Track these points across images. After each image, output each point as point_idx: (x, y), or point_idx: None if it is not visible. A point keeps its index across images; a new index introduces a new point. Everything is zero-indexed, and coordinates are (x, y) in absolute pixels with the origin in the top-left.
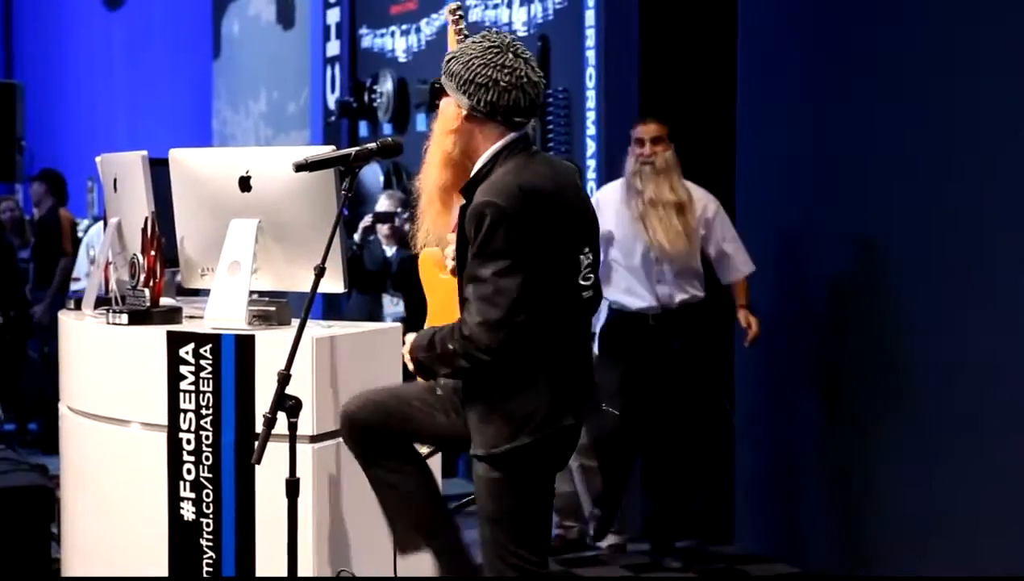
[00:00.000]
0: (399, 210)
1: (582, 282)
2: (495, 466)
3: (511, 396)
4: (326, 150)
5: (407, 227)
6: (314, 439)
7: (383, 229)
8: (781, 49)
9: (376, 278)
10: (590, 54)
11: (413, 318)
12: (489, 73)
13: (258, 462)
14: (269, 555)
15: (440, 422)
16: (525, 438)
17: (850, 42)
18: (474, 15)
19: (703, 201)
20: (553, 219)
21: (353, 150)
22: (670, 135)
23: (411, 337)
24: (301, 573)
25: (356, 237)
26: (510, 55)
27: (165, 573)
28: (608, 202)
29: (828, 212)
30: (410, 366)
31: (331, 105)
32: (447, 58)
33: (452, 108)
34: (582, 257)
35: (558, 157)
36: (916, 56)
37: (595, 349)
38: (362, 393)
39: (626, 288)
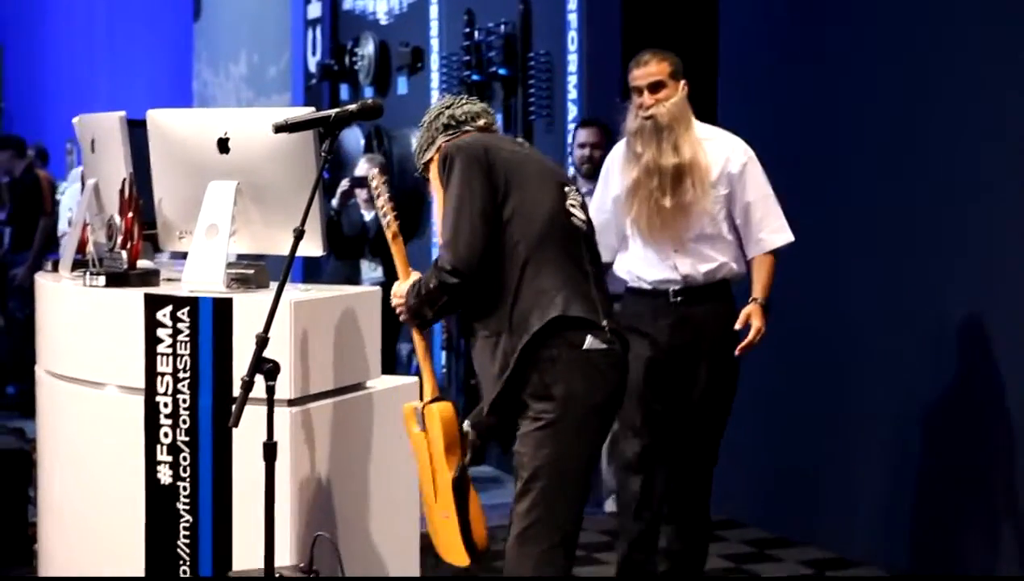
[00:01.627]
0: (369, 174)
1: (570, 207)
2: None
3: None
4: (306, 112)
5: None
6: (292, 403)
7: (362, 194)
8: (761, 21)
9: (354, 243)
10: (572, 17)
11: (391, 283)
12: (440, 119)
13: (235, 425)
14: (247, 519)
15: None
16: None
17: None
18: None
19: (725, 153)
20: (515, 159)
21: (333, 112)
22: (677, 71)
23: (397, 286)
24: (278, 537)
25: (334, 202)
26: (441, 105)
27: (142, 537)
28: (616, 165)
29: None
30: (402, 316)
31: (312, 68)
32: (417, 153)
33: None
34: (566, 189)
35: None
36: (869, 65)
37: None
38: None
39: (643, 257)
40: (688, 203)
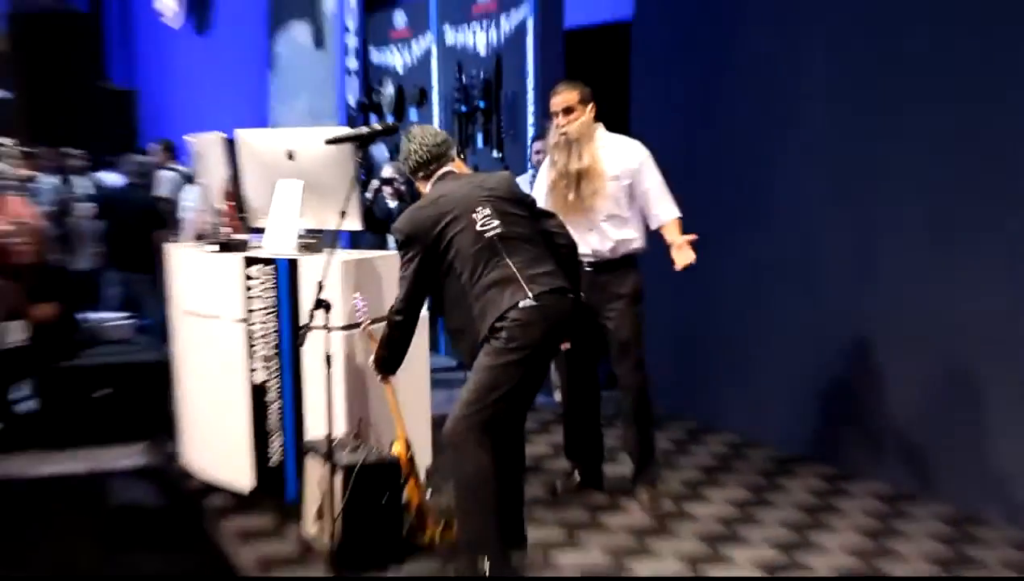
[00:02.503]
0: (397, 176)
1: (480, 227)
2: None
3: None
4: (346, 131)
5: (403, 188)
6: (343, 328)
7: (387, 189)
8: (665, 75)
9: (382, 224)
10: (530, 68)
11: None
12: (411, 157)
13: (301, 345)
14: (314, 406)
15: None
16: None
17: (710, 75)
18: (449, 38)
19: (627, 153)
20: (443, 215)
21: (365, 129)
22: (584, 98)
23: (370, 361)
24: (334, 417)
25: (368, 194)
26: (416, 142)
27: (245, 419)
28: (543, 169)
29: (689, 192)
30: (377, 375)
31: (351, 103)
32: (401, 158)
33: (420, 185)
34: (474, 215)
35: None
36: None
37: None
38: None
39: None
40: (585, 197)
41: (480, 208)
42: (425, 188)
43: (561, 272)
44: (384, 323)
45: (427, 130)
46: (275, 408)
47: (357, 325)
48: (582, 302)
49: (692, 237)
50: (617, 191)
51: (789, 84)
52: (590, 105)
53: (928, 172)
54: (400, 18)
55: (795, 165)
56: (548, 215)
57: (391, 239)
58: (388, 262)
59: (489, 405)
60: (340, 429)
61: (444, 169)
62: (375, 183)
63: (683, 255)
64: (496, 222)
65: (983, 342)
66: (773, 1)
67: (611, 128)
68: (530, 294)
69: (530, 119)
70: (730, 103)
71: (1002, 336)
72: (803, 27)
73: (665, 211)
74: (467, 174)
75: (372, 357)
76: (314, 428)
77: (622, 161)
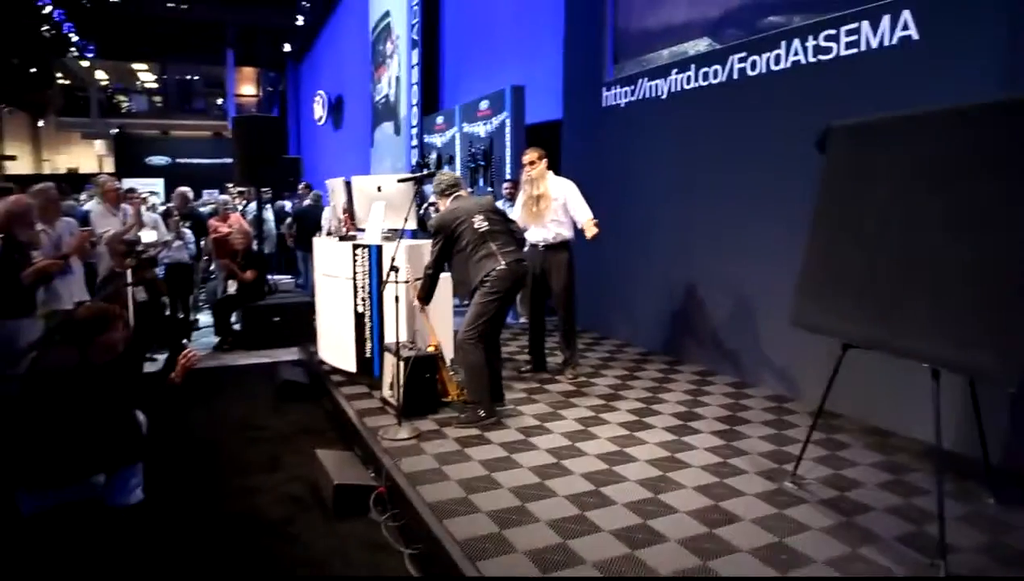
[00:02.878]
0: (437, 201)
1: (476, 226)
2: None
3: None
4: (409, 176)
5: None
6: (407, 282)
7: (432, 209)
8: (579, 144)
9: (426, 225)
10: (507, 143)
11: None
12: (437, 183)
13: (383, 291)
14: (390, 326)
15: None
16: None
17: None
18: (466, 128)
19: (563, 188)
20: (456, 218)
21: (419, 175)
22: (543, 156)
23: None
24: (401, 332)
25: (421, 211)
26: (441, 175)
27: (352, 332)
28: (520, 196)
29: (596, 205)
30: (418, 302)
31: (413, 163)
32: (433, 194)
33: (440, 203)
34: (475, 219)
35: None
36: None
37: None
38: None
39: (531, 232)
40: (543, 209)
41: (478, 216)
42: (445, 203)
43: (519, 251)
44: (422, 277)
45: (449, 172)
46: (368, 325)
47: (415, 279)
48: (527, 269)
49: (596, 222)
50: (558, 207)
51: (648, 150)
52: (545, 160)
53: (720, 197)
54: (440, 119)
55: (652, 192)
56: (512, 221)
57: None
58: (427, 247)
59: (481, 325)
60: (403, 337)
61: (457, 193)
62: (427, 206)
63: (590, 232)
64: (486, 224)
65: (754, 288)
66: (640, 114)
67: (555, 172)
68: (502, 262)
69: (507, 172)
70: (613, 160)
71: (768, 284)
72: (658, 129)
73: (583, 215)
74: (470, 197)
75: (416, 295)
76: (389, 336)
77: (561, 190)
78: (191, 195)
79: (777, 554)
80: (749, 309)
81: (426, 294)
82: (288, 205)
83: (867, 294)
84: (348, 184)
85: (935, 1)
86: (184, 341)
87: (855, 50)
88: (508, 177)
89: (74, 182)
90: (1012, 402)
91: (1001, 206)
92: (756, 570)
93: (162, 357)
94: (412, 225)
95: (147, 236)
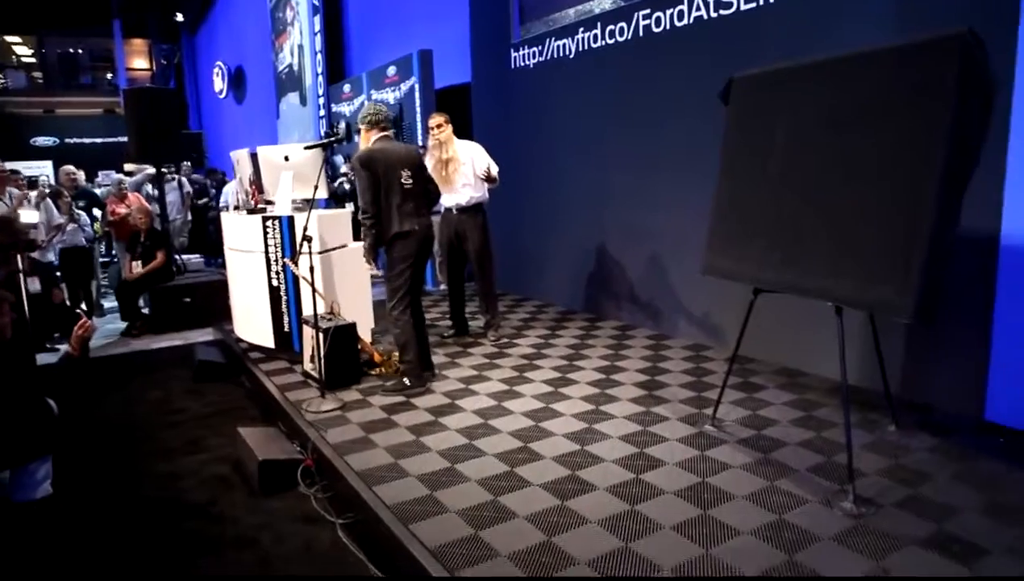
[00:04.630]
0: (349, 172)
1: (403, 182)
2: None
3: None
4: (316, 142)
5: (353, 179)
6: (320, 253)
7: (344, 179)
8: (489, 108)
9: (340, 199)
10: (417, 108)
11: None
12: (371, 112)
13: (296, 263)
14: (306, 298)
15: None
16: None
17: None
18: (374, 95)
19: (470, 150)
20: (386, 163)
21: (324, 141)
22: (448, 120)
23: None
24: (318, 304)
25: (335, 184)
26: (377, 107)
27: (267, 306)
28: (427, 161)
29: (505, 165)
30: (370, 269)
31: (322, 134)
32: (359, 115)
33: (363, 133)
34: (402, 172)
35: (404, 142)
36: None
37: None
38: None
39: (443, 197)
40: (451, 173)
41: (405, 170)
42: (370, 137)
43: (429, 214)
44: (364, 232)
45: (381, 105)
46: (284, 299)
47: (327, 250)
48: (433, 233)
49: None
50: (467, 170)
51: (558, 109)
52: (450, 125)
53: (631, 152)
54: (347, 87)
55: (564, 151)
56: (431, 181)
57: (349, 206)
58: (343, 215)
59: (403, 295)
60: (320, 309)
61: (384, 133)
62: (341, 177)
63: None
64: (411, 181)
65: (668, 241)
66: (548, 75)
67: (460, 136)
68: (415, 226)
69: (418, 138)
70: (524, 122)
71: (681, 236)
72: (567, 88)
73: (491, 171)
74: (396, 143)
75: (363, 252)
76: (306, 309)
77: (468, 153)
78: (77, 174)
79: (700, 493)
80: (664, 261)
81: (375, 245)
82: (186, 183)
83: (774, 239)
84: (254, 156)
85: None
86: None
87: (754, 4)
88: (420, 144)
89: None
90: (908, 337)
91: (894, 149)
92: (682, 510)
93: (63, 348)
94: (323, 194)
95: (26, 216)
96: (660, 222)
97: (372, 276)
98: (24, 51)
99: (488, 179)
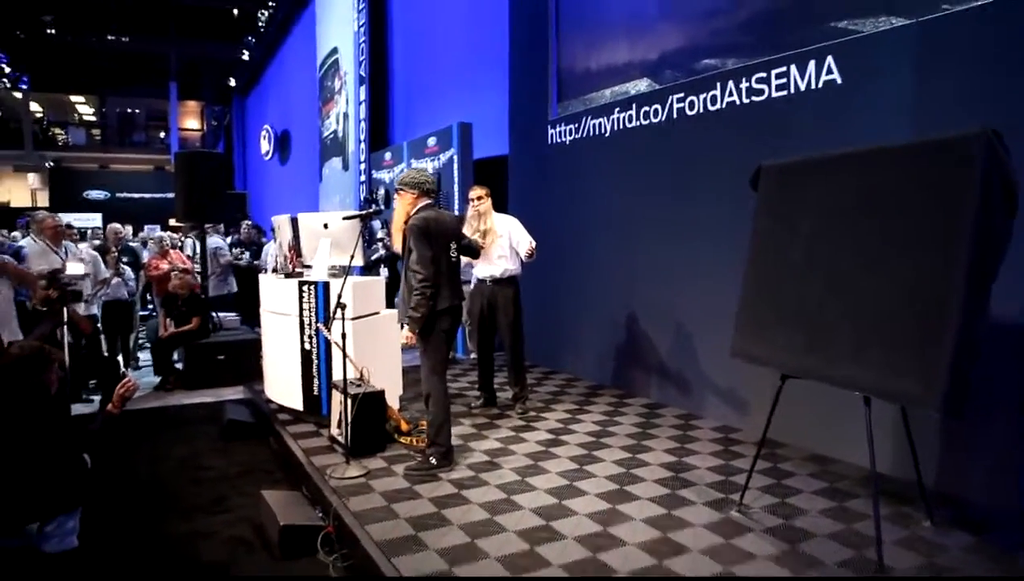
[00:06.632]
0: (386, 236)
1: (451, 255)
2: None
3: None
4: (355, 213)
5: (390, 246)
6: (353, 319)
7: (380, 245)
8: (526, 182)
9: (376, 262)
10: (455, 178)
11: (392, 277)
12: (420, 179)
13: (329, 328)
14: (337, 363)
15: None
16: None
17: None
18: (414, 163)
19: (507, 223)
20: (437, 231)
21: (363, 212)
22: (487, 193)
23: (404, 331)
24: (348, 371)
25: (369, 248)
26: (423, 173)
27: (298, 368)
28: (465, 230)
29: (541, 239)
30: (412, 339)
31: (361, 198)
32: (400, 177)
33: (408, 196)
34: (451, 245)
35: (448, 210)
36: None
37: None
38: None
39: (479, 267)
40: (488, 244)
41: (452, 242)
42: (415, 203)
43: (461, 288)
44: (414, 300)
45: (429, 174)
46: (315, 363)
47: (361, 317)
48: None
49: (534, 246)
50: (504, 242)
51: (592, 186)
52: (490, 197)
53: (662, 229)
54: (388, 154)
55: (596, 226)
56: (468, 244)
57: (383, 274)
58: (373, 285)
59: (442, 370)
60: (351, 375)
61: (430, 200)
62: (377, 241)
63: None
64: (455, 256)
65: (698, 317)
66: (584, 151)
67: (498, 210)
68: (458, 302)
69: (455, 206)
70: (558, 195)
71: (711, 314)
72: (602, 165)
73: (526, 243)
74: (442, 211)
75: (407, 330)
76: (336, 374)
77: (505, 225)
78: (124, 231)
79: None
80: (695, 338)
81: (426, 315)
82: (220, 241)
83: (801, 325)
84: (294, 220)
85: (854, 47)
86: (122, 370)
87: (785, 92)
88: (455, 212)
89: (5, 216)
90: (942, 426)
91: (918, 242)
92: None
93: (97, 399)
94: (359, 262)
95: (72, 268)
96: (691, 300)
97: (405, 345)
98: (86, 109)
99: (529, 256)
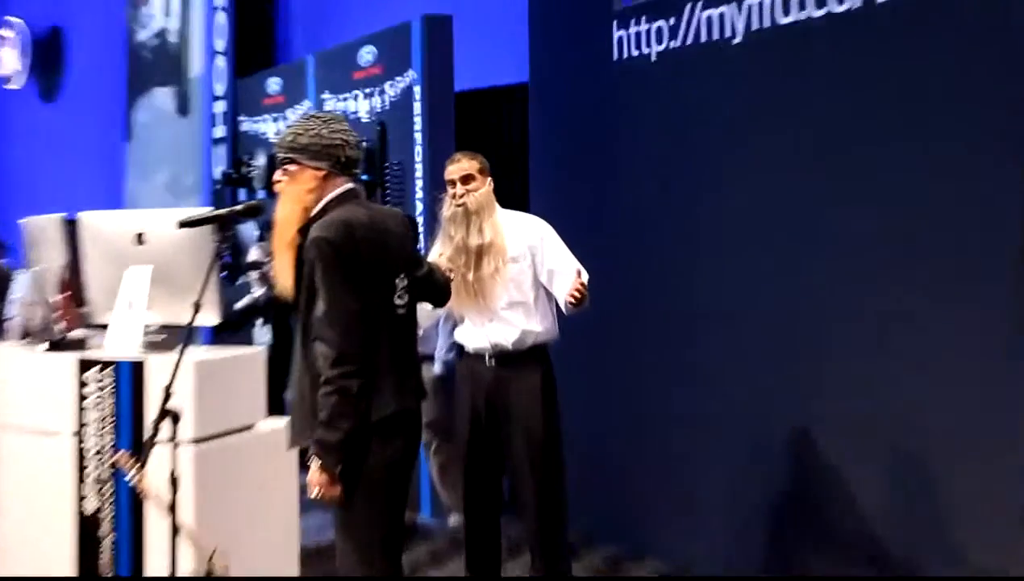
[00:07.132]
0: (267, 258)
1: (397, 299)
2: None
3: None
4: (205, 211)
5: (271, 270)
6: (196, 441)
7: (253, 274)
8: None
9: (244, 315)
10: (418, 135)
11: (279, 344)
12: (331, 139)
13: (144, 465)
14: (155, 540)
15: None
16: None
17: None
18: (329, 105)
19: (526, 230)
20: (366, 252)
21: (224, 211)
22: (484, 168)
23: (312, 471)
24: (181, 551)
25: (234, 282)
26: (340, 124)
27: (69, 558)
28: (436, 247)
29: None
30: (326, 487)
31: (217, 176)
32: (287, 136)
33: (307, 173)
34: (397, 281)
35: (390, 207)
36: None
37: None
38: None
39: (466, 326)
40: (486, 276)
41: (403, 275)
42: (323, 188)
43: (419, 369)
44: (330, 412)
45: (347, 126)
46: (107, 543)
47: (212, 437)
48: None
49: (584, 283)
50: (519, 274)
51: (716, 160)
52: (489, 178)
53: (863, 239)
54: (274, 84)
55: (722, 240)
56: (429, 276)
57: (259, 332)
58: (252, 360)
59: (381, 551)
60: (186, 568)
61: (352, 185)
62: (249, 277)
63: (571, 296)
64: (404, 299)
65: (946, 431)
66: (690, 75)
67: (505, 204)
68: (412, 403)
69: (418, 193)
70: (638, 169)
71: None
72: (726, 106)
73: (566, 276)
74: (378, 206)
75: (315, 466)
76: (155, 567)
77: (522, 239)
78: None
79: None
80: (934, 479)
81: (348, 434)
82: None
83: None
84: (71, 226)
85: None
86: None
87: None
88: (419, 198)
89: None
90: None
91: None
92: None
93: None
94: (211, 317)
95: None
96: (927, 396)
97: (317, 496)
98: None
99: (576, 300)
